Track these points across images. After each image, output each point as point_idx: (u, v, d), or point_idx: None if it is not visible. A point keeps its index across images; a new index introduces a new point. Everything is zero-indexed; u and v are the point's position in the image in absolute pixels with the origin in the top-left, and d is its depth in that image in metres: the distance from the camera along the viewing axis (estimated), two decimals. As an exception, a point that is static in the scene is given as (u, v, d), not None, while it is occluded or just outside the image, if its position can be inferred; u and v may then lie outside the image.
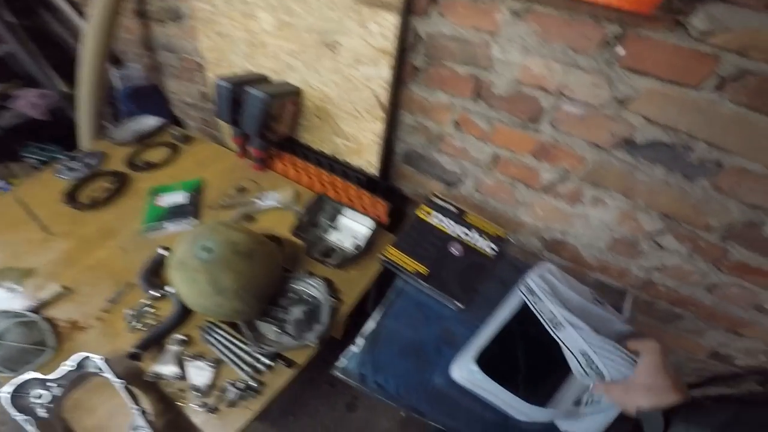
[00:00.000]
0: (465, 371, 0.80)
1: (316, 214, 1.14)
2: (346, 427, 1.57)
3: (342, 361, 0.88)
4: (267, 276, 0.93)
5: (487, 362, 0.79)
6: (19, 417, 0.77)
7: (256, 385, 0.87)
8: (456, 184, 1.21)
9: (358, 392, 1.49)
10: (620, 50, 0.74)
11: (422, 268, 0.97)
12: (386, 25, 0.91)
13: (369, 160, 1.19)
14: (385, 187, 1.23)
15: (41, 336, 0.95)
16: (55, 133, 2.17)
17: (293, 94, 1.19)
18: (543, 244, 1.19)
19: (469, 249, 1.02)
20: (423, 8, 0.90)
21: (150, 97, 1.97)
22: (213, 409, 0.85)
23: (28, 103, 1.89)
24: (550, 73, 0.84)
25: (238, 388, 0.86)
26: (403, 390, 0.85)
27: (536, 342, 0.81)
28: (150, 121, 1.58)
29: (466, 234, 1.05)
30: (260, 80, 1.21)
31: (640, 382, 0.60)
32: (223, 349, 0.92)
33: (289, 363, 0.91)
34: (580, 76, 0.81)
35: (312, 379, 1.63)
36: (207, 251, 0.84)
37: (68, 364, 0.83)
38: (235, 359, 0.91)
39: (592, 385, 0.70)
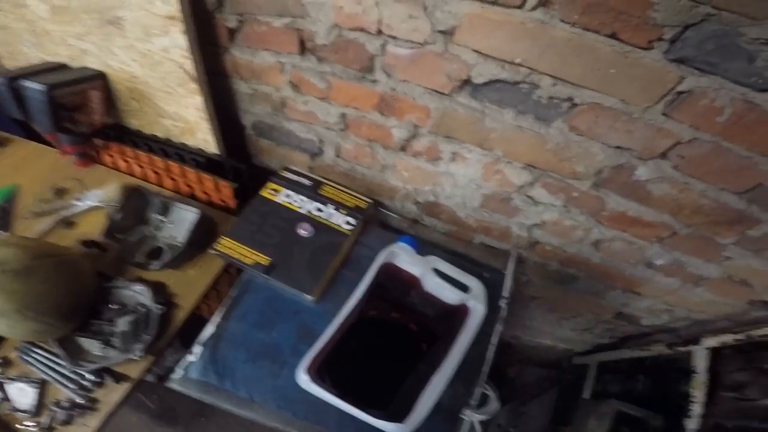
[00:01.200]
0: (302, 381, 0.68)
1: (138, 211, 0.95)
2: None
3: (177, 372, 0.76)
4: (63, 290, 0.78)
5: (335, 364, 0.69)
6: None
7: (84, 402, 0.80)
8: (318, 153, 1.07)
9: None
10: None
11: (263, 258, 0.84)
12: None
13: (205, 139, 1.00)
14: (236, 167, 1.04)
15: None
16: None
17: (93, 79, 0.97)
18: (419, 209, 1.09)
19: (321, 227, 0.90)
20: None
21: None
22: (47, 429, 0.79)
23: None
24: (363, 10, 0.70)
25: (63, 407, 0.80)
26: (258, 396, 0.74)
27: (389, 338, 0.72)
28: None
29: (320, 210, 0.93)
30: (55, 69, 0.99)
31: None
32: (45, 369, 0.84)
33: (119, 378, 0.81)
34: (394, 7, 0.66)
35: None
36: None
37: None
38: (58, 378, 0.83)
39: None
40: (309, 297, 0.81)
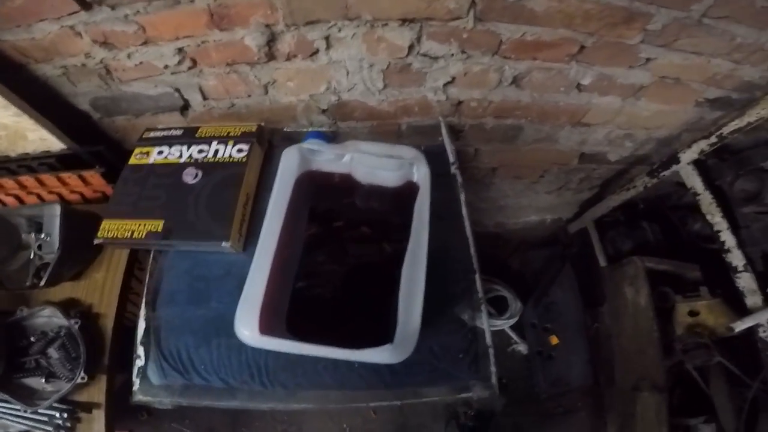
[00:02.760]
0: (253, 341, 0.63)
1: (7, 239, 0.82)
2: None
3: (135, 383, 0.69)
4: None
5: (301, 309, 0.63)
6: None
7: None
8: (185, 105, 0.92)
9: None
10: None
11: (154, 224, 0.73)
12: None
13: (41, 137, 0.83)
14: (93, 151, 0.88)
15: None
16: None
17: None
18: (328, 116, 0.98)
19: (209, 167, 0.79)
20: None
21: None
22: None
23: None
24: None
25: None
26: (230, 376, 0.68)
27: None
28: None
29: (202, 151, 0.81)
30: None
31: None
32: (15, 420, 0.78)
33: (88, 407, 0.77)
34: None
35: None
36: None
37: None
38: (33, 425, 0.77)
39: None
40: (226, 245, 0.72)
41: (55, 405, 0.75)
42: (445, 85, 0.90)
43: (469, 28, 0.74)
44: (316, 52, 0.79)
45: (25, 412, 0.77)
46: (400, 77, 0.87)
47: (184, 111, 0.93)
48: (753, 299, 0.94)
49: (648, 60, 0.84)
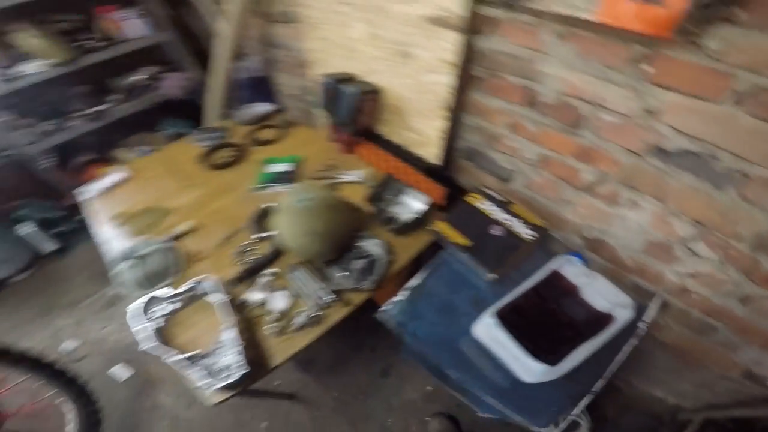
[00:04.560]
0: (484, 324, 0.98)
1: (384, 189, 1.38)
2: (376, 391, 1.72)
3: (386, 307, 1.11)
4: (344, 229, 1.21)
5: (507, 324, 0.95)
6: (146, 323, 1.10)
7: (321, 314, 1.12)
8: (508, 179, 1.36)
9: (394, 360, 1.75)
10: (647, 68, 0.85)
11: (464, 241, 1.16)
12: (452, 41, 1.10)
13: (432, 152, 1.39)
14: (444, 177, 1.42)
15: (170, 262, 1.30)
16: (186, 110, 2.68)
17: (374, 92, 1.44)
18: (584, 243, 1.28)
19: (508, 232, 1.18)
20: (482, 29, 1.08)
21: (262, 86, 2.36)
22: (281, 332, 1.09)
23: (172, 84, 2.38)
24: (588, 86, 0.97)
25: (305, 317, 1.10)
26: (431, 340, 1.04)
27: (553, 314, 0.95)
28: (264, 107, 1.96)
29: (508, 220, 1.20)
30: (349, 79, 1.48)
31: None
32: (301, 285, 1.19)
33: (346, 302, 1.15)
34: (614, 89, 0.93)
35: (357, 344, 1.83)
36: (307, 201, 1.14)
37: (188, 284, 1.17)
38: (308, 293, 1.16)
39: None
40: (489, 276, 1.10)
41: (322, 290, 1.16)
42: (686, 274, 1.07)
43: (740, 250, 0.92)
44: (617, 203, 1.10)
45: (311, 285, 1.17)
46: (658, 251, 1.09)
47: (503, 182, 1.37)
48: None
49: None
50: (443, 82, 1.20)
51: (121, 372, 1.87)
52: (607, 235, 1.21)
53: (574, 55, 0.95)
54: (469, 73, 1.20)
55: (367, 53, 1.40)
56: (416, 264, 1.30)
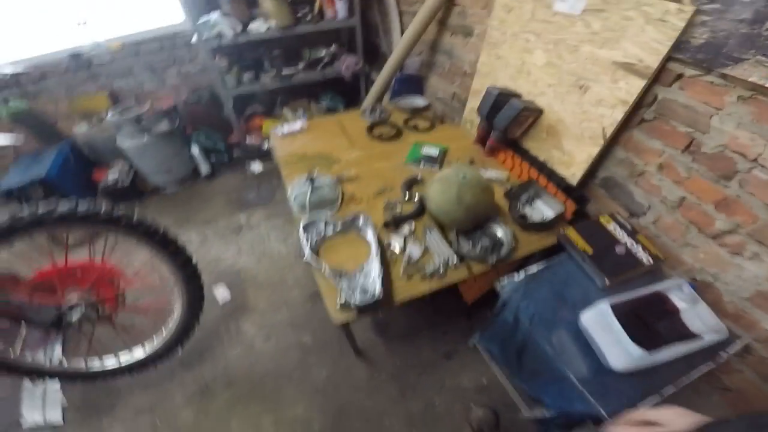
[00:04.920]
0: (597, 310, 1.15)
1: (523, 190, 1.60)
2: (435, 370, 1.80)
3: (503, 281, 1.32)
4: (484, 209, 1.44)
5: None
6: (304, 240, 1.40)
7: (442, 271, 1.35)
8: (638, 214, 1.51)
9: (461, 348, 1.86)
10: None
11: (589, 249, 1.34)
12: (634, 85, 1.30)
13: (572, 173, 1.58)
14: (575, 197, 1.60)
15: (335, 196, 1.62)
16: (343, 90, 3.08)
17: (536, 112, 1.66)
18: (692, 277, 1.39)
19: (629, 252, 1.35)
20: (668, 81, 1.26)
21: (413, 84, 2.69)
22: (409, 277, 1.34)
23: (346, 65, 2.79)
24: (753, 145, 1.11)
25: (432, 268, 1.35)
26: (535, 319, 1.22)
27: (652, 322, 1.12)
28: (420, 101, 2.27)
29: (632, 245, 1.37)
30: (515, 95, 1.72)
31: None
32: (434, 243, 1.45)
33: (468, 268, 1.38)
34: None
35: (432, 324, 1.95)
36: (463, 176, 1.39)
37: (349, 216, 1.46)
38: (438, 251, 1.42)
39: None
40: (603, 282, 1.26)
41: (451, 252, 1.45)
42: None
43: None
44: (740, 254, 1.20)
45: (443, 246, 1.44)
46: (763, 301, 1.20)
47: (632, 216, 1.52)
48: None
49: None
50: (611, 116, 1.39)
51: (222, 293, 2.12)
52: (719, 281, 1.31)
53: (748, 116, 1.10)
54: (638, 113, 1.38)
55: (539, 77, 1.63)
56: (522, 263, 1.50)
